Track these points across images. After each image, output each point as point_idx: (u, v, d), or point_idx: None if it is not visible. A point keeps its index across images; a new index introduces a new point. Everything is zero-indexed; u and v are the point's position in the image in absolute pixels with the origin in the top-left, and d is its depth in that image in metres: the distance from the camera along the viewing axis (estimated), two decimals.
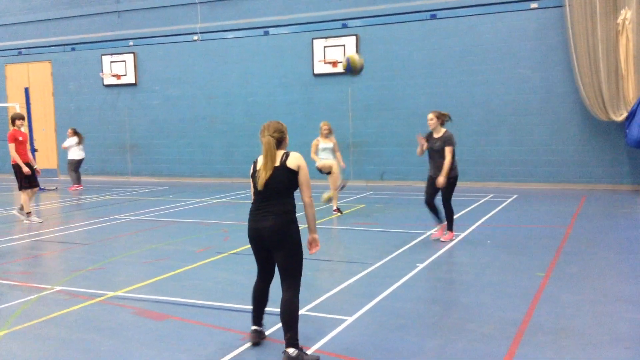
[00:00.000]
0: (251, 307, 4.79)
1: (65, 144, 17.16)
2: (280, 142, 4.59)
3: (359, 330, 5.03)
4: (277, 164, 4.49)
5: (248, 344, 4.72)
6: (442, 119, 8.57)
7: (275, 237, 4.42)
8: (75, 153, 17.01)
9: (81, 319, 5.51)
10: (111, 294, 6.22)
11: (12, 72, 21.28)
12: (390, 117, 16.18)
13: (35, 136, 19.16)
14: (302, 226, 4.51)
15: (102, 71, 19.54)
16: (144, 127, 19.32)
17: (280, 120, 4.77)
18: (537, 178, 14.97)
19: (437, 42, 15.63)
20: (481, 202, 12.51)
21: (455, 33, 15.42)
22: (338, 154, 11.44)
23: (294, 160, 4.51)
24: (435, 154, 8.51)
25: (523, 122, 15.02)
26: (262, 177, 4.44)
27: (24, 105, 16.98)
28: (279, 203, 4.47)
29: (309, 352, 4.52)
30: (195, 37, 18.39)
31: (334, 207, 11.27)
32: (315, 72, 16.81)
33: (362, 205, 12.34)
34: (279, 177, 4.46)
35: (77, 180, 17.05)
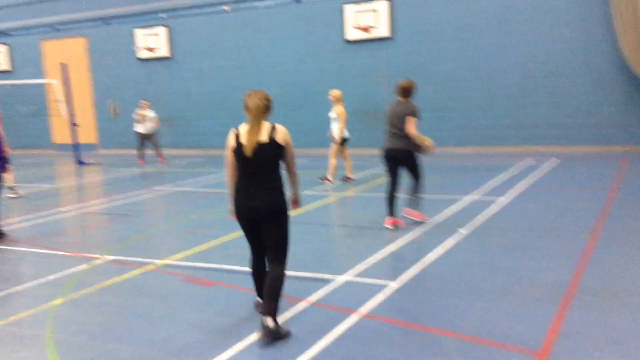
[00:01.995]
0: (253, 281, 4.68)
1: (147, 114, 16.17)
2: (267, 110, 4.39)
3: (404, 294, 5.09)
4: (266, 139, 4.29)
5: (298, 308, 4.82)
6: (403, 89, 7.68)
7: (273, 212, 4.31)
8: (148, 126, 16.18)
9: (134, 286, 5.70)
10: (159, 262, 6.41)
11: (49, 49, 21.61)
12: (423, 82, 15.86)
13: (75, 111, 19.55)
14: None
15: (135, 45, 19.69)
16: (178, 100, 19.49)
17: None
18: (577, 141, 14.67)
19: (470, 4, 15.28)
20: (520, 166, 12.36)
21: None
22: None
23: (282, 135, 4.36)
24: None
25: (561, 83, 14.67)
26: (251, 144, 4.25)
27: (62, 81, 17.25)
28: (270, 179, 4.34)
29: (355, 315, 4.61)
30: (226, 8, 18.35)
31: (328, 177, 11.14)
32: (347, 38, 16.65)
33: None
34: (269, 152, 4.29)
35: (143, 155, 16.31)
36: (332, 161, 11.13)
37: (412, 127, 7.30)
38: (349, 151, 11.52)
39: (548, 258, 5.95)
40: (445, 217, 7.99)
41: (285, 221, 4.41)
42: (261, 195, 4.31)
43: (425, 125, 15.60)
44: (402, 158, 7.44)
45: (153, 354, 4.16)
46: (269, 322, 4.20)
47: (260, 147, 4.30)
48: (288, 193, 4.49)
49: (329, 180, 11.14)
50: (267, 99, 4.43)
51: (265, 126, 4.37)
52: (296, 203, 4.75)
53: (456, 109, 15.69)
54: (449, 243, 6.62)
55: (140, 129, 16.19)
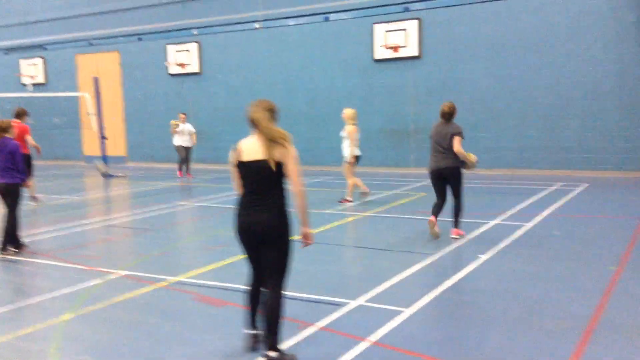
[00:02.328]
0: (246, 309, 4.41)
1: (185, 127, 16.07)
2: (273, 119, 4.15)
3: (417, 322, 4.92)
4: (265, 155, 4.05)
5: (306, 333, 4.70)
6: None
7: (270, 233, 4.11)
8: (186, 139, 16.06)
9: (144, 303, 5.65)
10: (174, 279, 6.35)
11: (83, 62, 22.08)
12: (454, 102, 15.75)
13: (105, 124, 19.87)
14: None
15: (167, 60, 19.98)
16: (207, 115, 19.66)
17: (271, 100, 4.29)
18: (609, 166, 14.28)
19: (502, 24, 15.11)
20: (549, 191, 12.05)
21: (523, 13, 14.86)
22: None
23: (282, 150, 4.06)
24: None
25: (594, 106, 14.33)
26: (263, 160, 4.04)
27: (94, 94, 17.55)
28: (271, 196, 4.11)
29: (365, 343, 4.46)
30: (257, 25, 18.51)
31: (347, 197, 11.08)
32: (376, 57, 16.60)
33: (424, 194, 12.10)
34: (268, 172, 4.06)
35: (181, 168, 16.28)
36: (350, 181, 11.08)
37: (458, 145, 7.88)
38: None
39: (572, 288, 5.72)
40: (467, 241, 7.79)
41: (285, 243, 4.17)
42: (258, 214, 4.12)
43: None
44: (449, 175, 7.95)
45: None
46: (272, 354, 4.07)
47: (259, 164, 4.08)
48: (294, 214, 4.25)
49: (347, 201, 11.04)
50: (271, 109, 4.17)
51: (267, 140, 4.09)
52: (306, 237, 4.28)
53: (486, 130, 15.44)
54: (468, 269, 6.43)
55: (177, 141, 16.10)
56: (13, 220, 7.77)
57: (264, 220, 4.11)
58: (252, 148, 4.12)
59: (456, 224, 8.02)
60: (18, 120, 11.42)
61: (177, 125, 16.08)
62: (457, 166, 7.92)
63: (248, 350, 4.32)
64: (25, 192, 8.44)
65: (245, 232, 4.21)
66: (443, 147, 7.93)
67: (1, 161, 7.69)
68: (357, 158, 11.10)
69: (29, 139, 11.73)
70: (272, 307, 4.13)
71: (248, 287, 4.42)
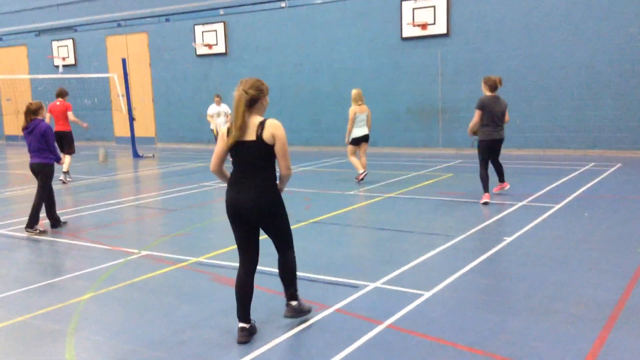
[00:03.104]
0: (237, 301, 4.33)
1: (221, 109, 15.45)
2: (254, 101, 4.13)
3: (436, 306, 4.81)
4: (254, 137, 4.09)
5: (321, 315, 4.64)
6: (484, 84, 9.02)
7: (259, 212, 4.19)
8: (221, 121, 15.39)
9: (162, 283, 5.67)
10: (193, 259, 6.36)
11: (112, 44, 22.24)
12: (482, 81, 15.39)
13: (134, 105, 20.05)
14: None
15: (194, 41, 19.97)
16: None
17: (261, 80, 4.29)
18: None
19: (534, 1, 14.63)
20: (581, 171, 11.72)
21: None
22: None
23: (270, 131, 4.09)
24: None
25: (630, 85, 13.84)
26: (233, 139, 4.13)
27: (122, 75, 17.67)
28: (258, 176, 4.17)
29: (381, 326, 4.39)
30: (283, 4, 18.33)
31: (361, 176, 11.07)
32: (404, 35, 16.29)
33: (450, 175, 11.91)
34: (257, 151, 4.11)
35: None
36: (352, 159, 11.15)
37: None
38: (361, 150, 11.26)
39: (599, 272, 5.53)
40: (493, 223, 7.61)
41: (279, 214, 4.32)
42: (247, 191, 4.19)
43: None
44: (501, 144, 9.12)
45: (170, 357, 4.07)
46: (293, 304, 4.49)
47: (247, 145, 4.12)
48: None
49: (361, 178, 11.03)
50: (256, 88, 4.15)
51: (254, 124, 4.12)
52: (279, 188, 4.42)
53: (517, 109, 15.03)
54: (492, 251, 6.27)
55: (213, 125, 15.53)
56: (41, 200, 7.98)
57: (252, 199, 4.18)
58: (235, 126, 4.16)
59: (502, 179, 9.39)
60: (62, 99, 12.70)
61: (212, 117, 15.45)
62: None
63: (240, 344, 4.21)
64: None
65: (232, 210, 4.28)
66: (501, 119, 8.84)
67: (34, 142, 7.96)
68: (357, 140, 10.96)
69: (71, 115, 12.48)
70: (288, 267, 4.47)
71: (238, 279, 4.34)
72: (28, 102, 8.23)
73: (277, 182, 4.36)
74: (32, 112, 7.99)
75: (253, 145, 4.12)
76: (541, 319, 4.47)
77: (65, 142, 12.61)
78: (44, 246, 7.36)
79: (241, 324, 4.30)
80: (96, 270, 6.13)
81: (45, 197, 8.03)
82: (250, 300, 4.35)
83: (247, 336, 4.27)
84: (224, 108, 15.43)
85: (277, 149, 4.15)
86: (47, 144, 7.96)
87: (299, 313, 4.52)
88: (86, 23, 22.77)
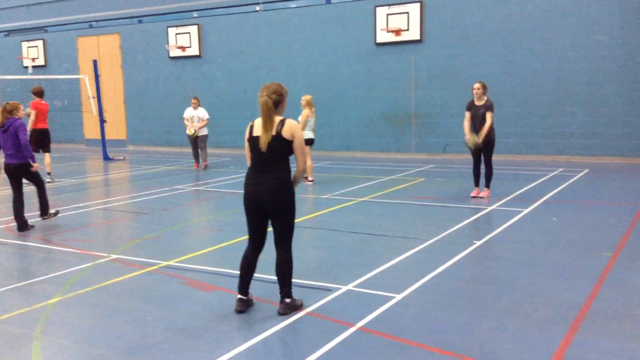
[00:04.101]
0: (239, 275, 4.84)
1: (203, 116, 14.38)
2: (277, 104, 4.64)
3: (407, 308, 4.85)
4: (274, 132, 4.57)
5: (293, 318, 4.64)
6: (486, 89, 9.65)
7: (273, 201, 4.62)
8: (196, 126, 14.35)
9: (132, 287, 5.60)
10: (164, 263, 6.29)
11: (84, 45, 21.94)
12: (455, 87, 15.62)
13: (105, 107, 19.78)
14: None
15: (167, 43, 19.82)
16: (208, 99, 19.47)
17: (281, 84, 4.76)
18: (611, 152, 14.14)
19: (505, 8, 14.89)
20: (550, 176, 11.93)
21: None
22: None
23: (289, 129, 4.60)
24: (478, 119, 9.48)
25: (598, 92, 14.16)
26: (264, 140, 4.56)
27: (93, 77, 17.44)
28: (274, 169, 4.63)
29: (353, 328, 4.40)
30: (258, 8, 18.32)
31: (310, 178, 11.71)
32: (378, 41, 16.41)
33: (422, 179, 12.02)
34: (275, 145, 4.59)
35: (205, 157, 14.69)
36: (308, 162, 11.38)
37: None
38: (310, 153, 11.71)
39: (565, 276, 5.63)
40: (464, 227, 7.70)
41: (290, 211, 4.71)
42: (263, 182, 4.62)
43: (457, 130, 15.33)
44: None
45: None
46: (287, 300, 4.75)
47: (269, 141, 4.60)
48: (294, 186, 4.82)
49: (309, 181, 11.62)
50: (278, 93, 4.64)
51: (276, 122, 4.61)
52: (293, 182, 4.86)
53: None
54: (462, 255, 6.34)
55: (188, 129, 14.40)
56: (42, 189, 8.36)
57: (271, 190, 4.61)
58: (265, 129, 4.62)
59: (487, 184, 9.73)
60: (40, 99, 12.81)
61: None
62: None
63: (238, 313, 4.75)
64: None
65: (250, 200, 4.72)
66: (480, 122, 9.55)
67: (9, 141, 8.01)
68: (310, 141, 11.44)
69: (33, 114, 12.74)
70: (285, 266, 4.76)
71: (245, 256, 4.84)
72: (4, 102, 8.33)
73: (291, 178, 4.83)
74: (8, 112, 8.10)
75: (272, 140, 4.56)
76: (510, 321, 4.54)
77: (47, 140, 12.83)
78: (11, 249, 7.21)
79: (240, 296, 4.81)
80: (64, 273, 6.03)
81: (44, 187, 8.36)
82: (252, 277, 4.85)
83: (244, 306, 4.79)
84: (200, 112, 14.34)
85: (296, 146, 4.64)
86: (18, 140, 7.96)
87: (292, 309, 4.75)
88: (57, 24, 22.43)
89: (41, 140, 12.59)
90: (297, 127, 4.63)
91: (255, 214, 4.72)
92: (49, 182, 12.33)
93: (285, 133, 4.58)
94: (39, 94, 12.86)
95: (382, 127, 16.81)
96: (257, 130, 4.65)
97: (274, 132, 4.57)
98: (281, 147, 4.60)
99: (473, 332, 4.36)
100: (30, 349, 4.24)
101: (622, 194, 9.95)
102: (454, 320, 4.58)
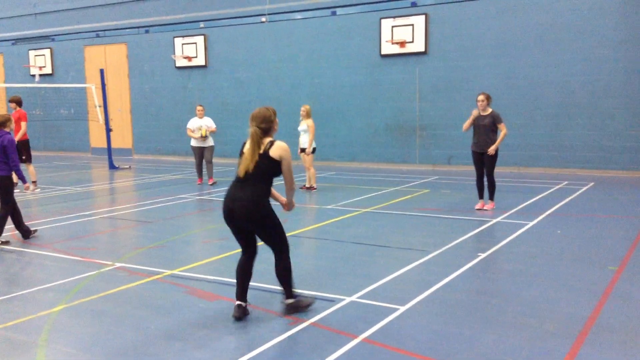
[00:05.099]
0: (236, 283, 4.95)
1: (210, 125, 13.43)
2: (266, 131, 4.79)
3: (410, 320, 4.84)
4: (261, 151, 4.71)
5: (296, 329, 4.64)
6: (490, 100, 9.60)
7: (246, 219, 4.71)
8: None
9: (136, 296, 5.61)
10: (168, 272, 6.31)
11: (91, 54, 22.08)
12: (459, 98, 15.65)
13: (110, 116, 19.87)
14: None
15: (174, 53, 19.93)
16: (213, 109, 19.55)
17: (270, 107, 4.89)
18: (616, 165, 14.10)
19: (510, 21, 14.93)
20: (554, 189, 11.91)
21: (532, 11, 14.67)
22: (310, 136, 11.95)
23: (277, 151, 4.72)
24: (482, 130, 9.48)
25: (602, 105, 14.15)
26: (244, 165, 4.71)
27: (100, 86, 17.54)
28: (253, 186, 4.72)
29: (356, 340, 4.40)
30: (263, 19, 18.42)
31: (309, 185, 12.15)
32: (383, 52, 16.47)
33: (427, 191, 12.01)
34: (259, 163, 4.70)
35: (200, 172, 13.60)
36: (312, 170, 12.13)
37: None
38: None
39: (570, 289, 5.62)
40: (468, 239, 7.69)
41: (268, 222, 4.77)
42: (239, 199, 4.70)
43: (462, 142, 15.35)
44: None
45: None
46: (289, 301, 4.92)
47: (256, 159, 4.74)
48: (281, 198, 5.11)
49: (314, 188, 12.04)
50: (267, 121, 4.76)
51: (264, 142, 4.76)
52: (287, 205, 5.15)
53: None
54: (466, 268, 6.33)
55: (194, 142, 13.31)
56: (5, 212, 7.73)
57: (238, 207, 4.69)
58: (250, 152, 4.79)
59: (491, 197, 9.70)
60: (19, 108, 12.44)
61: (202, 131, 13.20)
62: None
63: (235, 320, 4.81)
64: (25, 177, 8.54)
65: (225, 215, 4.84)
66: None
67: None
68: (314, 150, 12.06)
69: (24, 125, 12.48)
70: (283, 270, 4.93)
71: (240, 264, 4.98)
72: None
73: (284, 197, 5.10)
74: (1, 124, 7.75)
75: (259, 158, 4.70)
76: (514, 334, 4.53)
77: (29, 150, 12.71)
78: (15, 257, 7.23)
79: (238, 302, 4.88)
80: (69, 281, 6.05)
81: (9, 210, 7.78)
82: (248, 282, 4.96)
83: (242, 313, 4.85)
84: (207, 121, 13.36)
85: (284, 169, 4.77)
86: (6, 156, 7.62)
87: (296, 309, 4.92)
88: (64, 33, 22.59)
89: (26, 151, 12.41)
90: (285, 150, 4.74)
91: (233, 227, 4.87)
92: (36, 189, 12.49)
93: (273, 153, 4.70)
94: (21, 103, 12.61)
95: (387, 138, 16.82)
96: (247, 147, 4.83)
97: (261, 151, 4.71)
98: (266, 166, 4.71)
99: (477, 344, 4.35)
100: (34, 357, 4.25)
101: (627, 208, 9.92)
102: (458, 333, 4.57)
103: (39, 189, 12.70)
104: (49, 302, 5.43)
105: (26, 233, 8.03)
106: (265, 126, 4.76)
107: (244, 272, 4.96)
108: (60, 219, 9.53)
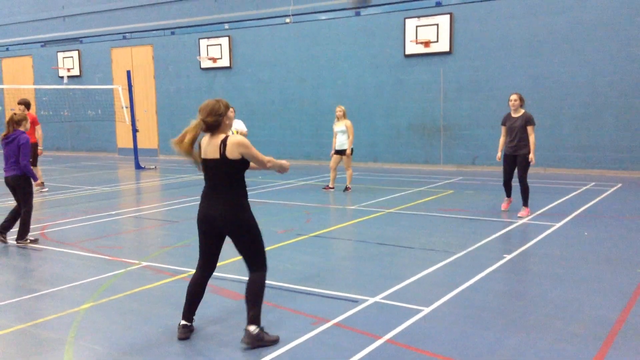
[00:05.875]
0: (185, 301, 4.61)
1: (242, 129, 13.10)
2: (213, 127, 4.36)
3: (435, 322, 4.82)
4: (217, 156, 4.32)
5: (320, 329, 4.65)
6: (523, 101, 9.38)
7: (228, 224, 4.38)
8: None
9: (162, 294, 5.68)
10: (193, 271, 6.35)
11: (117, 56, 22.40)
12: (484, 98, 15.53)
13: (137, 117, 20.12)
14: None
15: (199, 54, 20.12)
16: (237, 109, 19.58)
17: (222, 99, 4.45)
18: None
19: (536, 20, 14.75)
20: (581, 190, 11.74)
21: (559, 9, 14.47)
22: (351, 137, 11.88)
23: (234, 150, 4.30)
24: (515, 132, 9.25)
25: (631, 105, 13.90)
26: (180, 149, 4.35)
27: (127, 87, 17.79)
28: (227, 191, 4.38)
29: (380, 340, 4.39)
30: (288, 20, 18.49)
31: (331, 185, 12.22)
32: (407, 52, 16.40)
33: (451, 191, 11.93)
34: (224, 169, 4.34)
35: None
36: (351, 171, 12.14)
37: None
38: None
39: (597, 291, 5.54)
40: (493, 240, 7.62)
41: (251, 232, 4.43)
42: (216, 205, 4.38)
43: (487, 142, 15.22)
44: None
45: None
46: (251, 329, 4.31)
47: (212, 163, 4.37)
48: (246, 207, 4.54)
49: (349, 189, 11.98)
50: (215, 114, 4.33)
51: (216, 143, 4.34)
52: (280, 168, 4.69)
53: None
54: (492, 269, 6.28)
55: None
56: (29, 210, 7.81)
57: (220, 213, 4.37)
58: (208, 147, 4.39)
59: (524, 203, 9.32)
60: (28, 111, 12.27)
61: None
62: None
63: (181, 340, 4.50)
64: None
65: (203, 222, 4.50)
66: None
67: (11, 154, 7.69)
68: (352, 151, 11.98)
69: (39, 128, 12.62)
70: (253, 286, 4.41)
71: (192, 281, 4.64)
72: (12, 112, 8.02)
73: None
74: (15, 123, 7.78)
75: (218, 164, 4.34)
76: (539, 336, 4.48)
77: (35, 152, 12.40)
78: (44, 255, 7.37)
79: (183, 322, 4.56)
80: (96, 280, 6.15)
81: (31, 209, 7.83)
82: (199, 302, 4.62)
83: (188, 333, 4.54)
84: (239, 125, 12.88)
85: (251, 159, 4.39)
86: (20, 156, 7.62)
87: (256, 341, 4.29)
88: (92, 35, 22.96)
89: (34, 154, 11.98)
90: (242, 144, 4.28)
91: (210, 236, 4.50)
92: (44, 189, 12.69)
93: (231, 154, 4.29)
94: (30, 106, 12.38)
95: (410, 138, 16.76)
96: (205, 153, 4.40)
97: (217, 156, 4.30)
98: (231, 170, 4.33)
99: (502, 347, 4.32)
100: (62, 354, 4.33)
101: None
102: (483, 335, 4.54)
103: (47, 189, 12.87)
104: (76, 300, 5.53)
105: (4, 230, 7.86)
106: (212, 120, 4.30)
107: (196, 292, 4.58)
108: (88, 218, 9.69)
